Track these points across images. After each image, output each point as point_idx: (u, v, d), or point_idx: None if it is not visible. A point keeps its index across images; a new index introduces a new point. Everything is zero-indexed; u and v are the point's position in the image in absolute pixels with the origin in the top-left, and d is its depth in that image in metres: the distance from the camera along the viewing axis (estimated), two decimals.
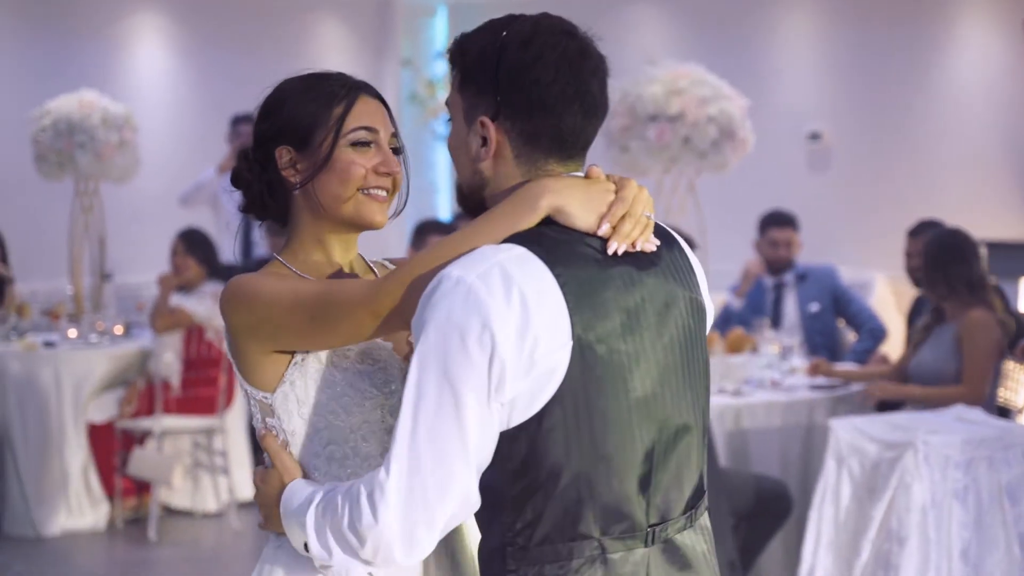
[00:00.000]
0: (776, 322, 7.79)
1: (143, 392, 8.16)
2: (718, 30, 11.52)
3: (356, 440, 2.45)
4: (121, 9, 11.57)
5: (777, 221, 8.11)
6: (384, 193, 2.53)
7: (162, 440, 7.98)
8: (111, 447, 8.09)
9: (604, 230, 2.27)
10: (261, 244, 9.77)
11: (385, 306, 2.27)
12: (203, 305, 8.08)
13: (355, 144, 2.51)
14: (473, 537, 2.47)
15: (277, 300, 2.38)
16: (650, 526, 2.29)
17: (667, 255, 2.37)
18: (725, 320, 7.95)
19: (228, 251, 9.94)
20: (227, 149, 10.26)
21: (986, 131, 10.67)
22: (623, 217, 2.28)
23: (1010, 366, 6.19)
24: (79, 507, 7.94)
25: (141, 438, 8.11)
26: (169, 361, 8.02)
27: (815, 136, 11.16)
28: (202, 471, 8.36)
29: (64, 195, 9.31)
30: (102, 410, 8.17)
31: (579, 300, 2.20)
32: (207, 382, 8.12)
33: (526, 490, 2.22)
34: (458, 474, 2.16)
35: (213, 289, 8.18)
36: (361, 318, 2.30)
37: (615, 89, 7.17)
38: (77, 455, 7.94)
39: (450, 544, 2.48)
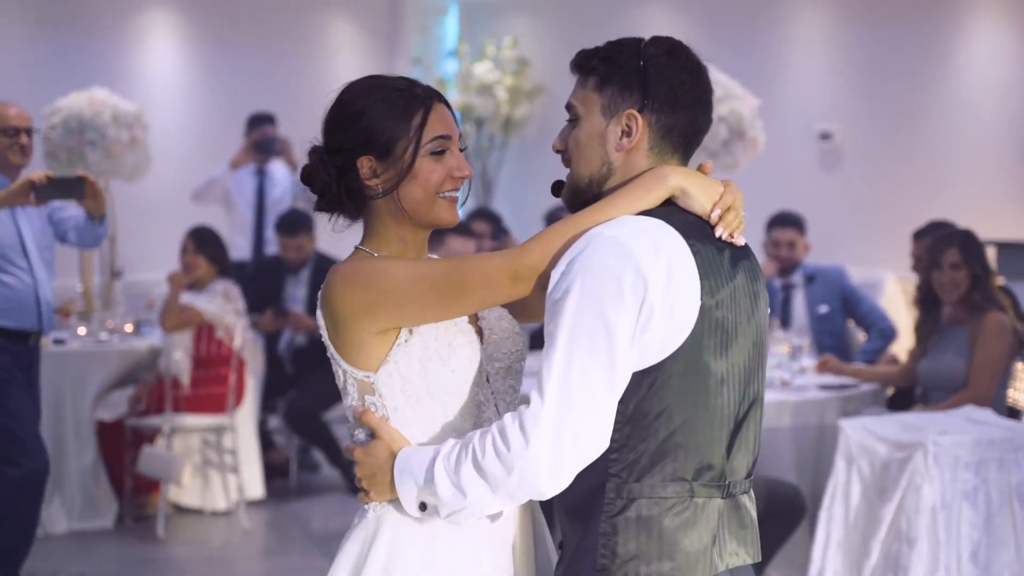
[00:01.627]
0: (785, 323, 7.76)
1: (153, 390, 8.16)
2: (728, 29, 11.50)
3: (454, 416, 2.71)
4: (132, 6, 11.57)
5: (779, 222, 8.06)
6: (457, 193, 2.79)
7: (172, 438, 7.98)
8: (121, 445, 8.10)
9: (715, 216, 2.61)
10: (272, 243, 9.77)
11: (527, 268, 2.57)
12: (213, 303, 8.07)
13: (434, 153, 2.74)
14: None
15: (401, 274, 2.63)
16: (726, 481, 2.60)
17: (751, 253, 2.73)
18: None
19: (239, 248, 9.96)
20: (238, 146, 10.26)
21: (998, 131, 10.64)
22: (729, 208, 2.63)
23: (1019, 367, 6.17)
24: (88, 505, 7.93)
25: (151, 436, 8.12)
26: (179, 359, 8.02)
27: (826, 136, 11.13)
28: (212, 469, 8.37)
29: None
30: (112, 408, 8.18)
31: (706, 269, 2.55)
32: (217, 380, 8.12)
33: (636, 431, 2.52)
34: (604, 404, 2.47)
35: (223, 287, 8.18)
36: (499, 282, 2.58)
37: None
38: (86, 453, 7.93)
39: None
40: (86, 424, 7.93)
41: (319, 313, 2.73)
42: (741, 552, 2.65)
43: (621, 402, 2.51)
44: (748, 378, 2.64)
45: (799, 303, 7.91)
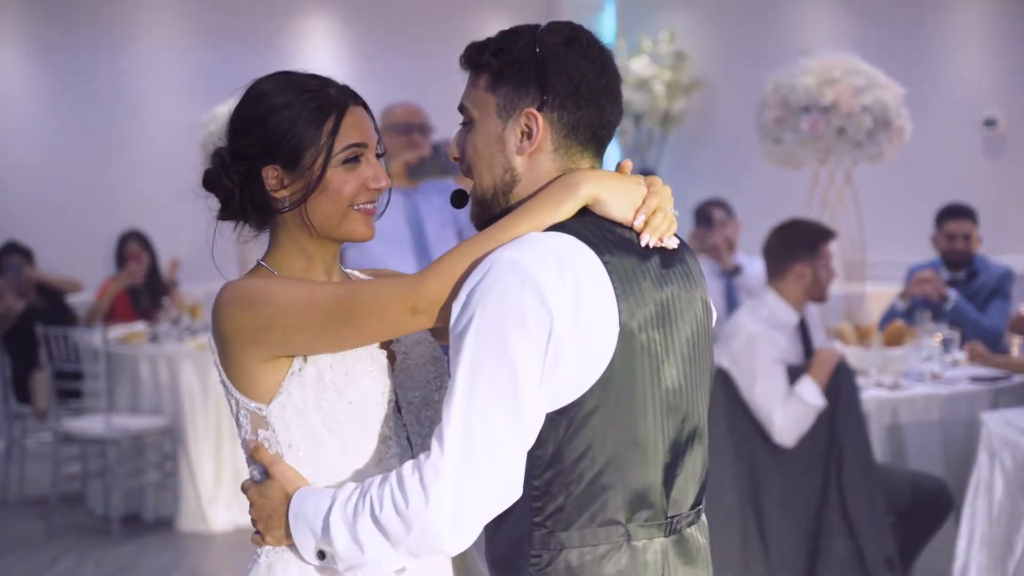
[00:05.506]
0: (938, 315, 7.57)
1: None
2: (888, 16, 11.31)
3: (354, 453, 2.41)
4: (291, 12, 11.79)
5: (953, 213, 7.86)
6: (373, 206, 2.49)
7: None
8: None
9: (639, 222, 2.32)
10: None
11: (426, 299, 2.25)
12: None
13: (346, 162, 2.45)
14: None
15: (291, 299, 2.32)
16: (667, 517, 2.33)
17: (685, 254, 2.44)
18: (889, 318, 7.76)
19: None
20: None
21: None
22: (655, 210, 2.33)
23: None
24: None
25: None
26: None
27: (990, 122, 10.86)
28: None
29: None
30: None
31: (624, 287, 2.24)
32: None
33: (558, 475, 2.24)
34: (511, 454, 2.17)
35: None
36: (397, 313, 2.27)
37: (768, 81, 7.14)
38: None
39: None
40: None
41: (209, 334, 2.45)
42: None
43: (539, 445, 2.22)
44: (687, 402, 2.36)
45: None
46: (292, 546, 2.35)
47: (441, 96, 11.87)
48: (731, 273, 8.60)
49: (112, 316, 9.53)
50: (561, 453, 2.23)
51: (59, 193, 10.72)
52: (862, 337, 6.80)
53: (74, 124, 10.80)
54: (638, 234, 2.33)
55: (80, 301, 10.05)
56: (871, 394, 6.10)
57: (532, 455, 2.23)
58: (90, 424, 8.10)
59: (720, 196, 9.75)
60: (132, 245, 9.78)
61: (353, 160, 2.45)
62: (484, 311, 2.16)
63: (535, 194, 2.34)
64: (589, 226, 2.29)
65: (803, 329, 5.98)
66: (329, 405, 2.38)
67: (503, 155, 2.37)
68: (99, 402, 8.22)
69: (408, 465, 2.18)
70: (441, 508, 2.14)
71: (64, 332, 8.35)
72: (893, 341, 6.79)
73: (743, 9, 12.24)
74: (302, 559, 2.35)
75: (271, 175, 2.44)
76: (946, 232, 7.82)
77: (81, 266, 10.23)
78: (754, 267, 8.19)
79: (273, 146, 2.43)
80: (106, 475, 8.20)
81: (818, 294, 5.89)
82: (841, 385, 5.61)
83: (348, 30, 12.06)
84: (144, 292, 9.70)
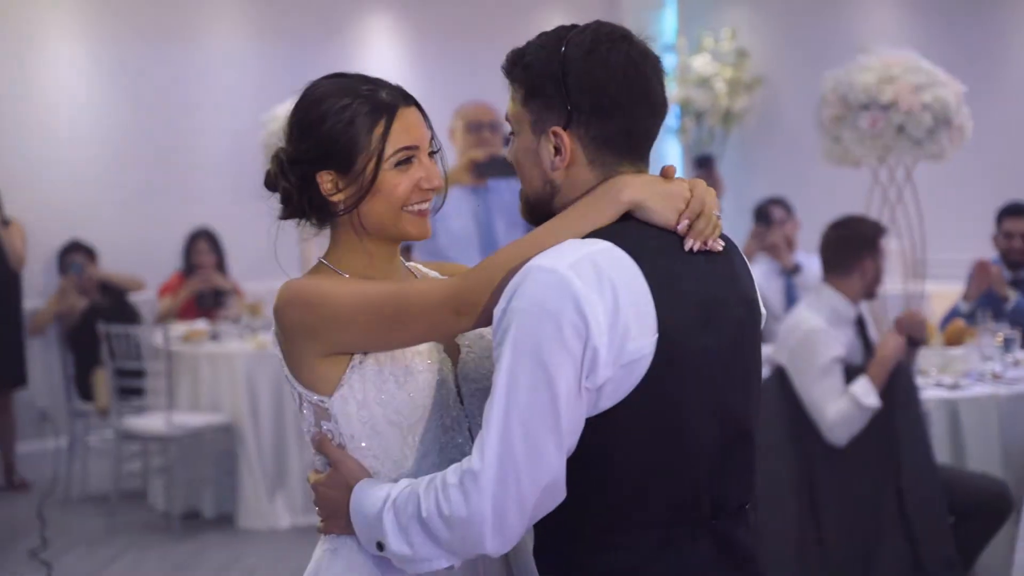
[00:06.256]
0: (998, 315, 7.48)
1: None
2: (951, 12, 11.20)
3: (415, 444, 2.47)
4: (351, 12, 11.82)
5: (1011, 212, 7.80)
6: (427, 205, 2.55)
7: None
8: None
9: (682, 227, 2.33)
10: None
11: (469, 303, 2.30)
12: None
13: (398, 164, 2.50)
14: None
15: (343, 300, 2.38)
16: (713, 519, 2.34)
17: (732, 255, 2.45)
18: (950, 318, 7.69)
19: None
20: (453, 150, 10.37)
21: None
22: (699, 215, 2.34)
23: None
24: (310, 501, 8.09)
25: None
26: None
27: None
28: None
29: None
30: None
31: (663, 293, 2.24)
32: None
33: (599, 479, 2.26)
34: (550, 461, 2.18)
35: None
36: (441, 316, 2.33)
37: (827, 78, 7.08)
38: (308, 450, 8.12)
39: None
40: None
41: (272, 330, 2.51)
42: None
43: (581, 448, 2.23)
44: (731, 404, 2.36)
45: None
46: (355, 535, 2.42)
47: (502, 95, 11.90)
48: (791, 271, 8.57)
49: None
50: (602, 457, 2.25)
51: (121, 192, 10.80)
52: None
53: (136, 123, 10.88)
54: (681, 238, 2.34)
55: (143, 299, 10.13)
56: (931, 394, 6.06)
57: (573, 458, 2.23)
58: (151, 422, 8.16)
59: (781, 194, 9.71)
60: (201, 244, 9.87)
61: (405, 162, 2.51)
62: (521, 320, 2.18)
63: (579, 198, 2.36)
64: (630, 232, 2.29)
65: (861, 325, 5.97)
66: (390, 397, 2.44)
67: (540, 169, 2.40)
68: (160, 400, 8.29)
69: (452, 469, 2.23)
70: (481, 514, 2.18)
71: (126, 330, 8.41)
72: (953, 341, 6.73)
73: (804, 6, 12.18)
74: (360, 547, 2.42)
75: (326, 179, 2.50)
76: (1004, 231, 7.76)
77: (143, 265, 10.31)
78: (813, 265, 8.15)
79: (326, 152, 2.49)
80: (167, 472, 8.27)
81: (874, 289, 5.90)
82: (900, 385, 5.57)
83: (409, 29, 12.09)
84: (207, 291, 9.77)
